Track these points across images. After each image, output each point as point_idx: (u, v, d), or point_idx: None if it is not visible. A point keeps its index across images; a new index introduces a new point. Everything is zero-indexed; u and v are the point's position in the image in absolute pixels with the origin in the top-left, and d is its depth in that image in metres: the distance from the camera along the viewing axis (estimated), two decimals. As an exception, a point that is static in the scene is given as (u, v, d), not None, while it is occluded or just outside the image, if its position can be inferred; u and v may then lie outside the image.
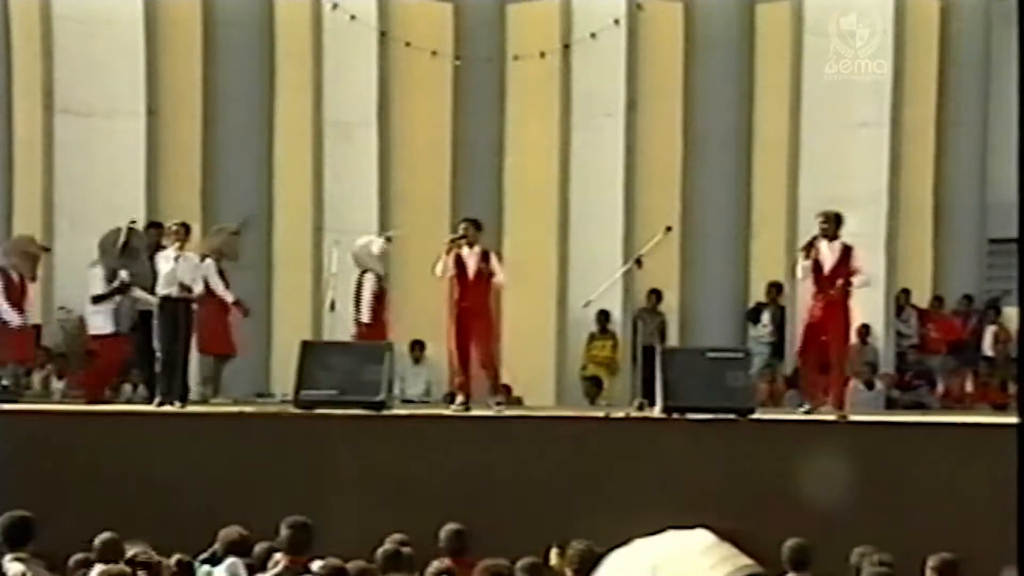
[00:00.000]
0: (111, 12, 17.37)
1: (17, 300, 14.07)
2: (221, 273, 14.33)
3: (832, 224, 12.86)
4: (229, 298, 14.32)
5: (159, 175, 17.48)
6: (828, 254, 12.74)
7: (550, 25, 18.08)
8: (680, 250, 17.70)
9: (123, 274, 14.35)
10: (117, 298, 14.37)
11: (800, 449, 11.73)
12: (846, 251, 12.78)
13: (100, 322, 14.46)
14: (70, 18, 17.30)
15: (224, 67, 17.84)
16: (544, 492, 11.65)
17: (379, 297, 14.03)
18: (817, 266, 12.76)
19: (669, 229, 14.21)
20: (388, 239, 14.78)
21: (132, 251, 14.33)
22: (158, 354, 13.14)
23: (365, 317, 13.92)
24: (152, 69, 17.47)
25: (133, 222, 14.82)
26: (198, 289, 13.31)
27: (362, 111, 17.87)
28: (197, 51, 17.75)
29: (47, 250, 15.14)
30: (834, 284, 12.66)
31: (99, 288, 14.44)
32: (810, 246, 12.83)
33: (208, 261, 14.13)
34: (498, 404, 12.96)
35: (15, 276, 14.15)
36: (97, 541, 8.62)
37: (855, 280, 12.75)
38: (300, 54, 17.93)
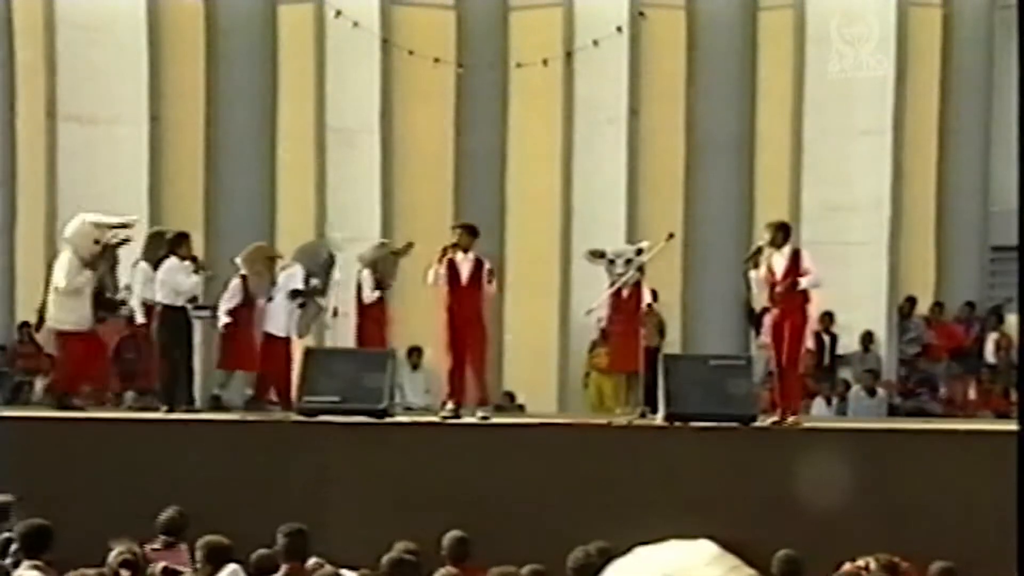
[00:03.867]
0: (114, 19, 17.42)
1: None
2: (379, 285, 14.39)
3: (779, 233, 12.77)
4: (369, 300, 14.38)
5: (162, 182, 17.52)
6: (780, 262, 12.67)
7: (552, 32, 18.10)
8: (682, 257, 17.70)
9: (314, 281, 14.43)
10: (300, 304, 14.39)
11: (802, 457, 11.72)
12: (795, 256, 12.69)
13: (279, 323, 14.32)
14: (73, 25, 17.34)
15: (227, 74, 17.88)
16: (546, 500, 11.64)
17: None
18: (771, 276, 12.74)
19: (671, 236, 14.18)
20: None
21: (330, 264, 14.38)
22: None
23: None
24: (155, 76, 17.51)
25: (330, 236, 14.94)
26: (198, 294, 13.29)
27: (364, 118, 17.90)
28: (200, 58, 17.79)
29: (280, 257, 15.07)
30: (787, 290, 12.63)
31: (298, 284, 14.44)
32: (756, 255, 12.80)
33: (365, 272, 14.25)
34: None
35: (252, 283, 14.18)
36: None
37: (803, 281, 12.56)
38: (303, 61, 17.96)
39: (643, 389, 13.85)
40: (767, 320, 13.15)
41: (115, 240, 13.67)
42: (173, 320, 13.08)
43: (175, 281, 13.17)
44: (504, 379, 17.48)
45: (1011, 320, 17.47)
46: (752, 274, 12.88)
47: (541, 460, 11.95)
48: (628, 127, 17.98)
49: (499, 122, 18.25)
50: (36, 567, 7.51)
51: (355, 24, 17.77)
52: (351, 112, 17.93)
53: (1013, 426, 11.24)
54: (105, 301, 13.85)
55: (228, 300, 14.07)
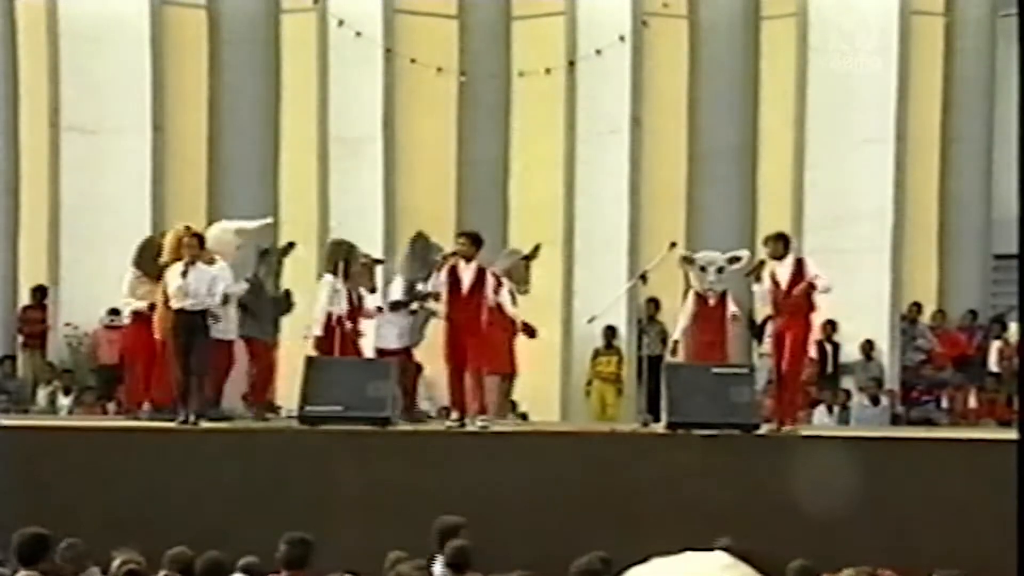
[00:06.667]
0: (117, 30, 17.44)
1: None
2: (512, 295, 14.13)
3: (778, 245, 12.92)
4: (517, 319, 13.89)
5: (165, 192, 17.53)
6: (783, 273, 12.76)
7: (555, 42, 18.13)
8: (684, 265, 17.69)
9: (420, 286, 14.24)
10: (411, 311, 14.05)
11: (805, 465, 11.73)
12: (799, 265, 12.83)
13: (391, 336, 14.06)
14: (76, 35, 17.36)
15: (230, 84, 17.90)
16: (549, 508, 11.65)
17: None
18: (776, 287, 12.78)
19: (674, 245, 14.18)
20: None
21: (430, 263, 14.19)
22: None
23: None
24: (158, 86, 17.53)
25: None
26: (215, 300, 13.03)
27: (367, 127, 17.92)
28: (203, 68, 17.83)
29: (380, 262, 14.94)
30: (798, 297, 12.66)
31: (398, 295, 14.14)
32: (758, 268, 12.90)
33: (503, 281, 13.98)
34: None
35: (354, 293, 13.87)
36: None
37: (819, 284, 12.69)
38: (306, 70, 17.98)
39: (646, 398, 13.86)
40: (769, 329, 13.16)
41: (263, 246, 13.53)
42: (183, 325, 12.84)
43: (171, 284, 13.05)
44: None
45: (1015, 328, 17.47)
46: (755, 287, 12.96)
47: (543, 468, 11.97)
48: (630, 136, 17.98)
49: (502, 131, 18.27)
50: (31, 577, 7.50)
51: (358, 34, 17.80)
52: (354, 121, 17.95)
53: (1016, 435, 11.24)
54: (270, 305, 13.64)
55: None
